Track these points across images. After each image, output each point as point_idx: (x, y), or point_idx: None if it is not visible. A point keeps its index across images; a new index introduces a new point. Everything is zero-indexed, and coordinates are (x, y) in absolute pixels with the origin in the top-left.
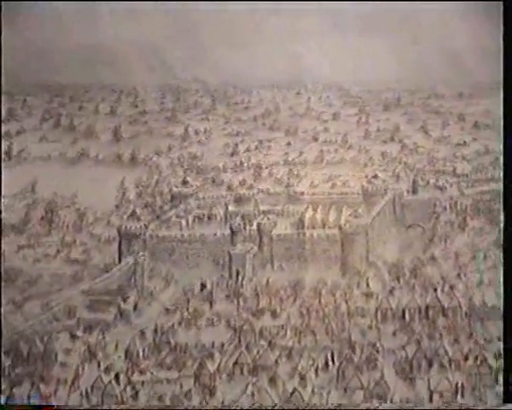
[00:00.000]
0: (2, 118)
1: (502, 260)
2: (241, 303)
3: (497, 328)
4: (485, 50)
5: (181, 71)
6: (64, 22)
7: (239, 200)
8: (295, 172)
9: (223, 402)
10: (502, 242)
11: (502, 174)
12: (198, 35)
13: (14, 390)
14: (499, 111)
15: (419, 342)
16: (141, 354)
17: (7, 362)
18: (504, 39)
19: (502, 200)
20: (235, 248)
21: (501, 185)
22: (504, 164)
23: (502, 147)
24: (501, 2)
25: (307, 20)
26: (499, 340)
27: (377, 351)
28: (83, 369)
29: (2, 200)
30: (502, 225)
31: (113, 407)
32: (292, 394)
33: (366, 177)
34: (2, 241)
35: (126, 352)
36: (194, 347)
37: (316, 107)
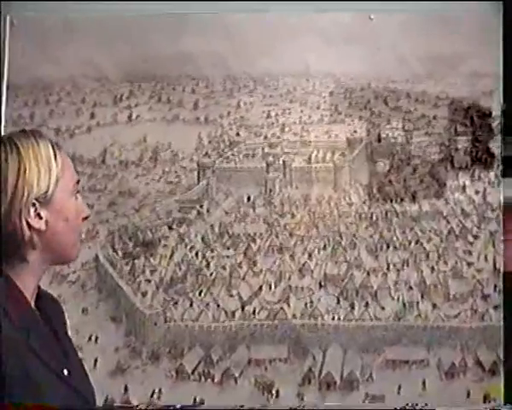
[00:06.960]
0: (125, 99)
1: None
2: (272, 209)
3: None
4: (430, 57)
5: (234, 66)
6: (162, 33)
7: (271, 145)
8: (305, 128)
9: (261, 270)
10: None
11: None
12: (238, 41)
13: (135, 261)
14: (432, 90)
15: (378, 225)
16: (211, 239)
17: (131, 244)
18: (504, 39)
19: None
20: (268, 175)
21: (437, 137)
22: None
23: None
24: (501, 3)
25: (310, 38)
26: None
27: (356, 238)
28: (176, 249)
29: (128, 146)
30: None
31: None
32: (303, 265)
33: (349, 131)
34: (127, 171)
35: (202, 238)
36: (243, 235)
37: (318, 88)
